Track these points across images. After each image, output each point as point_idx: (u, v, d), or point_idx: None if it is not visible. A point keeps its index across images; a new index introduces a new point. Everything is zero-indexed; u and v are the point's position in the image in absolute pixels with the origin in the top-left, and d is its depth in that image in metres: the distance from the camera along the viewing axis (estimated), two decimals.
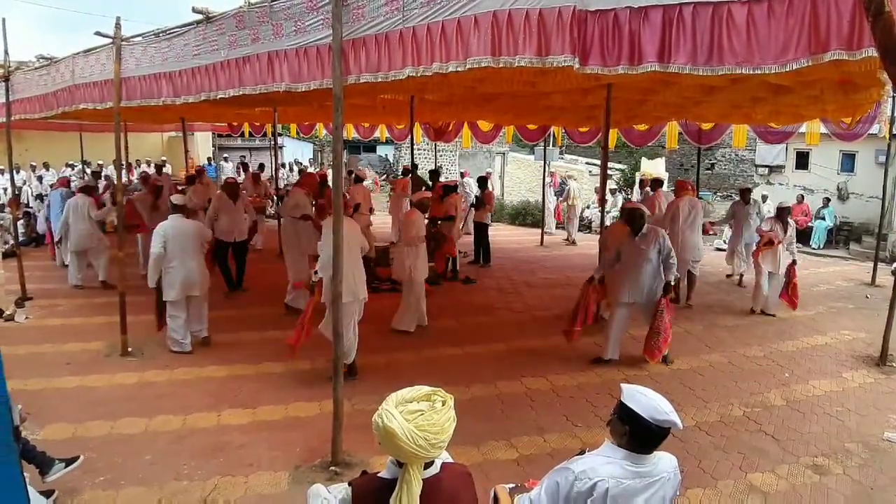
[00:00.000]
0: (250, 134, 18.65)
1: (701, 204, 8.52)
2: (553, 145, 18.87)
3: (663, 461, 2.07)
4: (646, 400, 1.98)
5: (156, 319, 6.15)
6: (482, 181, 11.47)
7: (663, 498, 2.05)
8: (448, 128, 13.48)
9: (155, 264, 5.81)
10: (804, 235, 14.26)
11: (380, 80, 3.80)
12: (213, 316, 7.26)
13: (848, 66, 3.03)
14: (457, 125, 13.40)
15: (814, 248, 13.97)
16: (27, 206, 13.48)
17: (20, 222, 10.78)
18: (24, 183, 15.43)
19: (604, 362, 5.93)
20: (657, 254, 5.65)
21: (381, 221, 14.50)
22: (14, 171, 9.37)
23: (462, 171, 18.45)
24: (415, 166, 12.92)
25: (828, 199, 14.75)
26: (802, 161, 16.22)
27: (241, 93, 4.72)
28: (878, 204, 11.00)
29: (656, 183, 10.27)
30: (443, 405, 1.72)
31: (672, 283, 5.78)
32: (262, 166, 15.84)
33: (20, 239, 9.61)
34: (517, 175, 20.82)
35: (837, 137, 10.19)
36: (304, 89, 4.25)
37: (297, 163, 19.68)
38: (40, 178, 16.19)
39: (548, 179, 15.99)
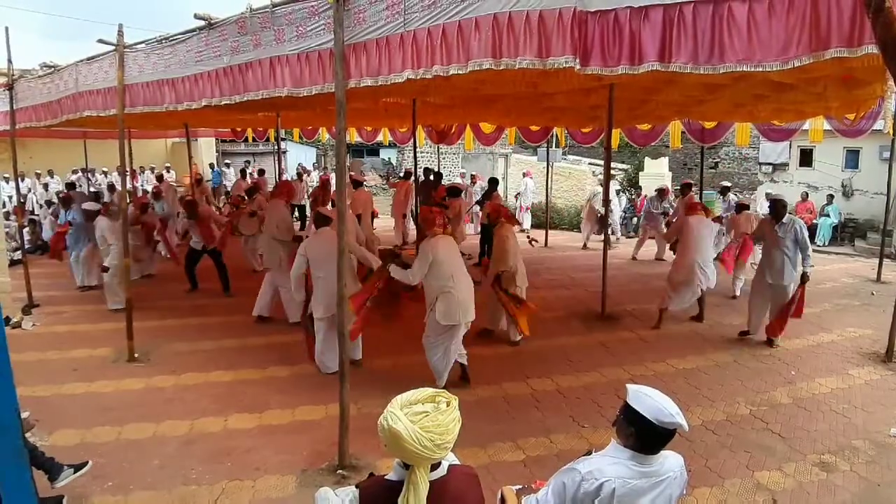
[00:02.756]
0: (254, 139, 18.66)
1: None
2: (556, 146, 18.85)
3: (669, 460, 2.07)
4: (651, 402, 1.97)
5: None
6: (494, 182, 11.38)
7: (670, 497, 2.05)
8: (451, 130, 13.47)
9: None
10: (809, 233, 14.20)
11: (381, 83, 3.82)
12: (217, 322, 7.34)
13: (850, 62, 3.02)
14: (459, 127, 13.40)
15: (819, 246, 13.90)
16: (32, 213, 13.54)
17: (26, 230, 10.85)
18: (30, 191, 15.53)
19: (745, 335, 6.79)
20: (794, 243, 6.32)
21: (385, 224, 14.55)
22: (19, 179, 9.41)
23: (524, 171, 17.79)
24: (427, 170, 12.96)
25: (832, 196, 14.69)
26: (806, 158, 16.16)
27: (243, 98, 4.74)
28: (883, 200, 10.98)
29: (686, 187, 10.21)
30: (447, 406, 1.73)
31: (807, 274, 6.28)
32: (262, 171, 15.47)
33: (26, 246, 9.67)
34: (520, 177, 20.82)
35: (841, 134, 10.14)
36: (306, 94, 4.26)
37: (302, 167, 19.58)
38: (45, 186, 16.28)
39: (525, 178, 16.22)
